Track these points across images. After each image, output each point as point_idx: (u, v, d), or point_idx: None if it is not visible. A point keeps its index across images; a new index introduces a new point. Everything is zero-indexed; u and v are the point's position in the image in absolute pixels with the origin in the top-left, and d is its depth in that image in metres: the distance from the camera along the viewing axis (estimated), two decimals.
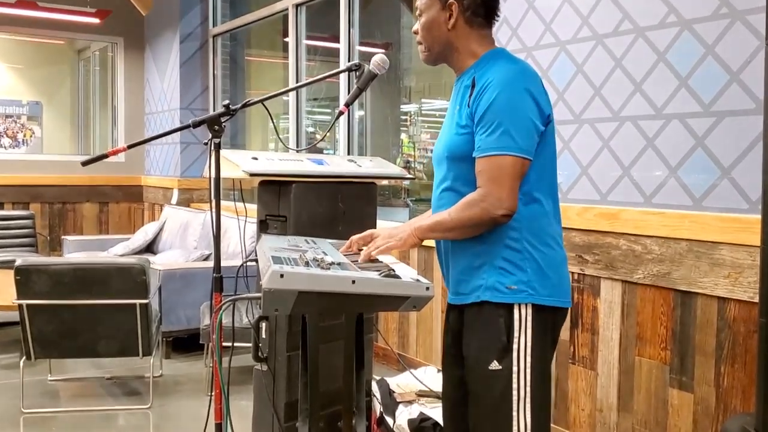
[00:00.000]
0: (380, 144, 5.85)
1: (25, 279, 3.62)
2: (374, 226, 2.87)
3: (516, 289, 1.85)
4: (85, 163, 2.17)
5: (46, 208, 7.46)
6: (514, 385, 1.85)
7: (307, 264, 1.82)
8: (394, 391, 3.26)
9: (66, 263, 3.70)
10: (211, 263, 5.28)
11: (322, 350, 2.33)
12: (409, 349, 4.20)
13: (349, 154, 5.16)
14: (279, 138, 2.54)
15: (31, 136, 8.73)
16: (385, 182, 5.57)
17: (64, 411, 3.87)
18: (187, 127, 2.21)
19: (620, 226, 2.80)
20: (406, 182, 5.43)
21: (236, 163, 2.57)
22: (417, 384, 3.30)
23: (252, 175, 2.56)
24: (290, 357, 2.66)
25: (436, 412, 3.01)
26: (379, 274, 1.79)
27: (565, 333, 3.06)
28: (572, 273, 3.00)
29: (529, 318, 1.85)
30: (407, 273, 1.87)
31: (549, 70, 3.12)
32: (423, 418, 2.98)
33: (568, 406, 3.07)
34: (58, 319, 3.69)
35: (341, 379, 2.11)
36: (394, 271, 1.86)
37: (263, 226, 2.78)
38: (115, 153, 2.17)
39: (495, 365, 1.86)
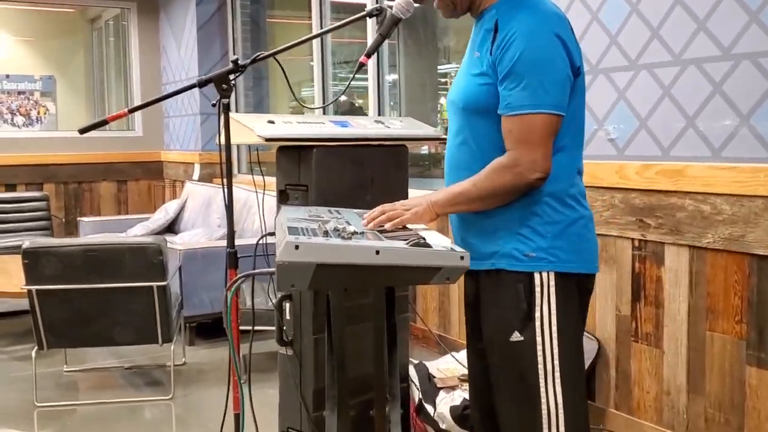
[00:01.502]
0: (416, 110, 5.74)
1: (34, 263, 3.61)
2: (405, 194, 2.80)
3: (535, 256, 1.83)
4: (83, 131, 2.11)
5: (60, 189, 7.51)
6: (540, 358, 1.83)
7: (326, 234, 1.75)
8: (434, 376, 3.21)
9: (76, 244, 3.67)
10: (237, 241, 5.24)
11: (352, 333, 2.27)
12: (450, 330, 4.14)
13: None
14: (292, 91, 2.44)
15: (45, 113, 8.78)
16: (422, 148, 5.46)
17: (80, 404, 3.87)
18: (193, 86, 2.13)
19: (686, 184, 2.72)
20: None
21: (250, 127, 2.49)
22: (459, 368, 3.22)
23: (268, 140, 2.48)
24: (317, 340, 2.59)
25: None
26: (407, 243, 1.70)
27: (625, 307, 2.96)
28: (632, 239, 2.94)
29: (552, 284, 1.83)
30: (439, 241, 1.79)
31: (599, 12, 2.99)
32: (467, 406, 2.90)
33: (630, 388, 2.99)
34: (69, 306, 3.68)
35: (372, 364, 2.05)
36: (423, 239, 1.77)
37: (283, 197, 2.71)
38: (115, 118, 2.10)
39: (516, 336, 1.84)
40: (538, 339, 1.83)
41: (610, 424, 3.05)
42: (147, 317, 3.74)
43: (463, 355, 3.51)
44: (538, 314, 1.83)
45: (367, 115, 5.35)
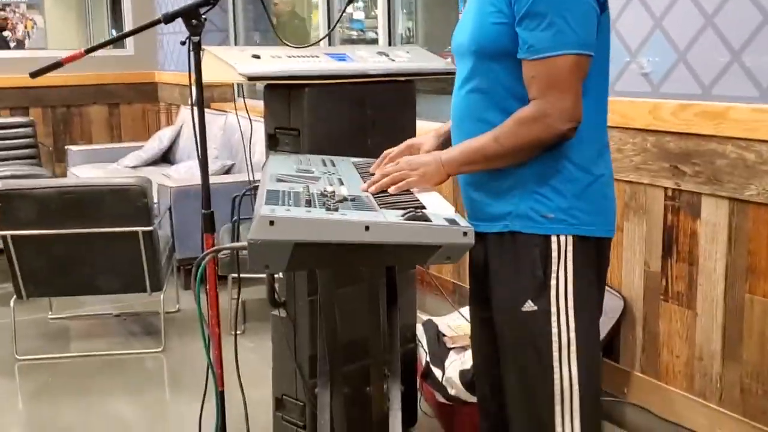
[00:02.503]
0: (434, 22, 5.52)
1: (7, 206, 3.53)
2: (413, 136, 2.67)
3: (553, 218, 1.78)
4: (34, 74, 1.97)
5: (48, 114, 7.40)
6: (554, 329, 1.79)
7: (309, 203, 1.61)
8: (444, 335, 3.12)
9: (52, 186, 3.59)
10: (234, 176, 5.16)
11: (347, 294, 2.18)
12: (466, 278, 4.02)
13: (391, 41, 4.86)
14: (270, 21, 2.27)
15: (32, 28, 8.61)
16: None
17: (65, 356, 3.83)
18: (158, 22, 1.97)
19: (728, 129, 2.59)
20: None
21: (230, 64, 2.34)
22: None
23: (251, 79, 2.35)
24: (313, 302, 2.54)
25: None
26: (402, 216, 1.57)
27: (655, 263, 2.86)
28: (665, 188, 2.82)
29: (569, 249, 1.78)
30: (439, 210, 1.67)
31: None
32: None
33: (659, 351, 2.92)
34: (48, 253, 3.62)
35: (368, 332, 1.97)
36: (422, 209, 1.65)
37: (272, 142, 2.60)
38: (69, 60, 1.95)
39: (529, 305, 1.80)
40: (553, 309, 1.78)
41: (635, 389, 2.96)
42: (133, 265, 3.69)
43: None
44: (553, 282, 1.78)
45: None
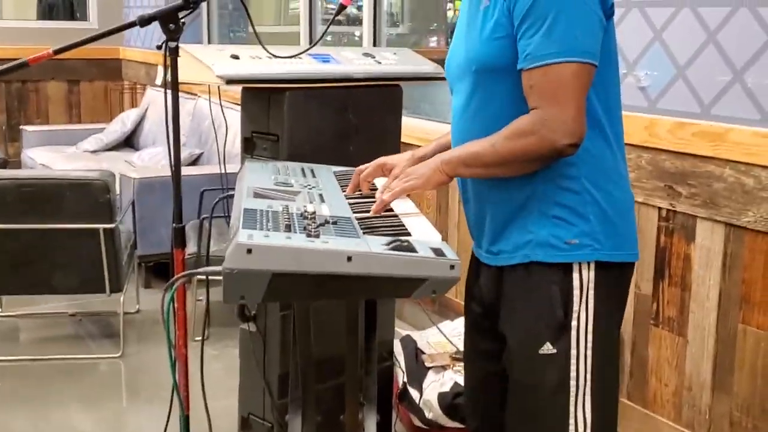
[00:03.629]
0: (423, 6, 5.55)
1: None
2: (398, 146, 2.71)
3: (577, 243, 1.76)
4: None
5: (1, 88, 7.33)
6: (573, 373, 1.78)
7: (288, 228, 1.63)
8: (423, 352, 3.15)
9: (9, 178, 3.58)
10: (203, 168, 5.16)
11: (322, 307, 2.21)
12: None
13: (375, 27, 4.88)
14: (250, 20, 2.29)
15: None
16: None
17: (14, 360, 3.83)
18: (132, 25, 1.99)
19: (726, 151, 2.63)
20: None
21: (207, 65, 2.36)
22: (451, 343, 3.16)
23: (229, 82, 2.36)
24: (285, 317, 2.57)
25: None
26: (387, 245, 1.60)
27: (646, 285, 2.92)
28: (659, 209, 2.87)
29: (592, 280, 1.77)
30: (425, 237, 1.69)
31: None
32: (458, 392, 2.86)
33: (646, 378, 2.98)
34: (1, 248, 3.60)
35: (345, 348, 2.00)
36: (407, 235, 1.68)
37: (249, 146, 2.62)
38: (36, 60, 1.97)
39: (548, 348, 1.78)
40: (573, 351, 1.77)
41: (622, 416, 3.00)
42: (92, 263, 3.70)
43: (457, 324, 3.46)
44: (574, 322, 1.77)
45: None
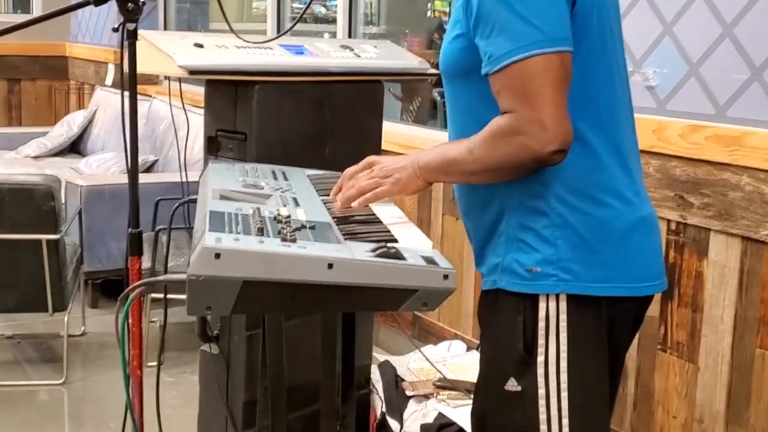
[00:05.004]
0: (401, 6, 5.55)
1: None
2: (378, 149, 2.69)
3: (539, 272, 1.71)
4: None
5: None
6: (542, 416, 1.73)
7: (261, 231, 1.59)
8: (403, 380, 3.14)
9: None
10: (158, 176, 5.12)
11: (294, 327, 2.18)
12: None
13: (350, 25, 4.88)
14: (220, 5, 2.26)
15: None
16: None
17: None
18: (85, 4, 1.94)
19: (744, 157, 2.63)
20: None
21: (168, 54, 2.33)
22: (434, 369, 3.13)
23: (192, 72, 2.33)
24: (251, 337, 2.52)
25: (461, 413, 2.88)
26: (373, 252, 1.56)
27: (653, 306, 2.86)
28: (668, 221, 2.86)
29: (564, 313, 1.71)
30: (415, 246, 1.66)
31: None
32: (442, 423, 2.86)
33: (652, 409, 2.97)
34: None
35: (319, 372, 1.98)
36: (394, 242, 1.65)
37: (213, 147, 2.60)
38: None
39: (513, 384, 1.74)
40: (541, 391, 1.72)
41: None
42: (33, 279, 3.67)
43: (441, 349, 3.45)
44: (541, 358, 1.71)
45: None
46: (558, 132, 1.59)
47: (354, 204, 1.81)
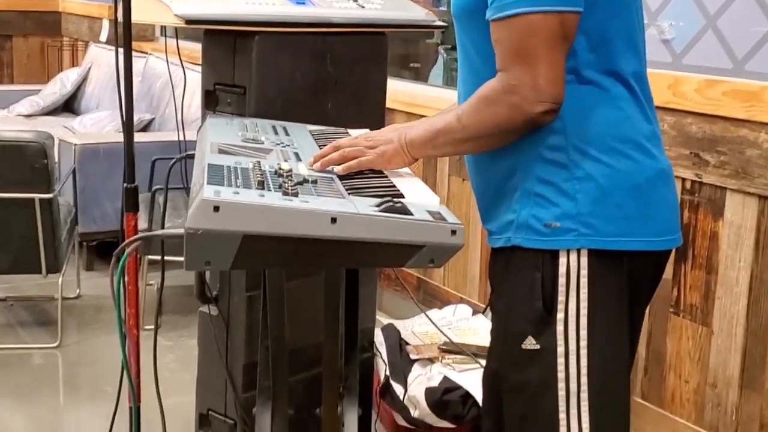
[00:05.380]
0: None
1: None
2: (382, 103, 2.68)
3: (559, 227, 1.70)
4: None
5: None
6: (560, 374, 1.73)
7: (261, 185, 1.58)
8: (407, 343, 3.14)
9: None
10: (154, 135, 5.11)
11: (295, 288, 2.17)
12: (433, 274, 4.07)
13: None
14: None
15: None
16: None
17: None
18: None
19: (762, 113, 2.62)
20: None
21: (164, 2, 2.31)
22: (440, 332, 3.13)
23: (189, 22, 2.31)
24: (251, 298, 2.51)
25: (467, 377, 2.89)
26: (378, 206, 1.55)
27: (666, 269, 2.85)
28: (683, 180, 2.86)
29: (585, 268, 1.71)
30: (421, 200, 1.66)
31: None
32: (448, 387, 2.85)
33: (663, 374, 2.98)
34: None
35: (321, 335, 1.99)
36: (400, 197, 1.65)
37: (210, 101, 2.58)
38: None
39: (530, 343, 1.74)
40: (560, 349, 1.72)
41: (635, 417, 2.99)
42: (26, 240, 3.67)
43: (447, 312, 3.45)
44: (560, 315, 1.71)
45: None
46: (549, 92, 1.61)
47: (337, 169, 1.78)
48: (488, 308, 2.05)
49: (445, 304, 3.71)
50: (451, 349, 3.07)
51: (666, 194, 1.77)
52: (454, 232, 1.54)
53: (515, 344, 1.75)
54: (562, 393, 1.73)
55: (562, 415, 1.73)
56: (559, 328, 1.72)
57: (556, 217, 1.70)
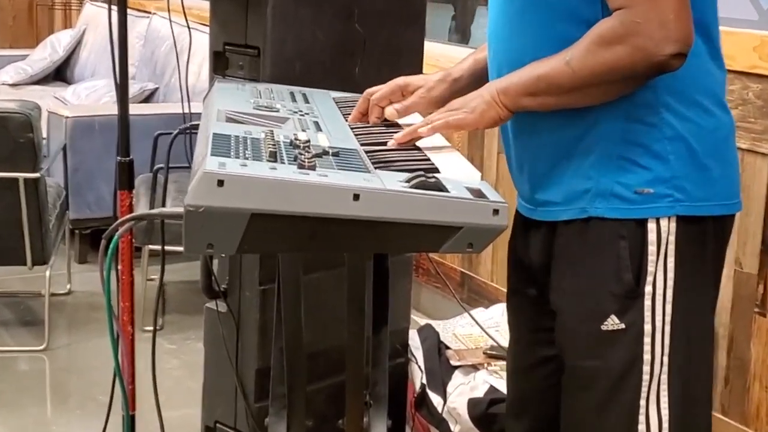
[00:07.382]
0: None
1: None
2: (419, 67, 2.73)
3: (652, 193, 1.74)
4: None
5: None
6: (647, 356, 1.77)
7: (273, 156, 1.60)
8: (447, 347, 3.16)
9: None
10: (157, 106, 5.16)
11: (316, 283, 2.19)
12: (479, 268, 4.09)
13: None
14: None
15: None
16: None
17: None
18: None
19: None
20: None
21: None
22: (485, 335, 3.14)
23: None
24: (265, 292, 2.55)
25: None
26: (407, 182, 1.56)
27: (751, 261, 2.97)
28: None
29: (672, 238, 1.75)
30: (459, 176, 1.66)
31: None
32: (494, 399, 2.87)
33: (747, 385, 2.97)
34: None
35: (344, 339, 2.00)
36: (435, 171, 1.66)
37: (220, 64, 2.62)
38: None
39: (613, 322, 1.78)
40: (647, 327, 1.76)
41: None
42: (9, 227, 3.72)
43: (494, 312, 3.45)
44: (649, 288, 1.75)
45: None
46: (680, 31, 1.62)
47: (422, 131, 1.79)
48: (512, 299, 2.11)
49: (493, 302, 3.72)
50: (498, 354, 3.08)
51: (736, 152, 1.83)
52: (496, 211, 1.55)
53: (594, 325, 1.78)
54: (646, 377, 1.76)
55: (642, 402, 1.77)
56: (647, 302, 1.76)
57: (648, 182, 1.74)
